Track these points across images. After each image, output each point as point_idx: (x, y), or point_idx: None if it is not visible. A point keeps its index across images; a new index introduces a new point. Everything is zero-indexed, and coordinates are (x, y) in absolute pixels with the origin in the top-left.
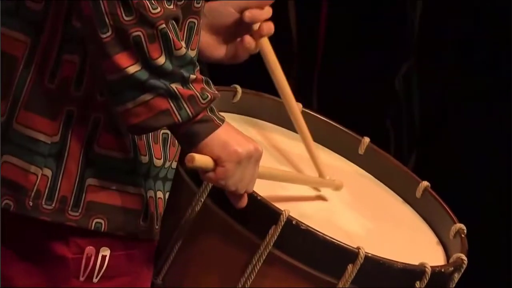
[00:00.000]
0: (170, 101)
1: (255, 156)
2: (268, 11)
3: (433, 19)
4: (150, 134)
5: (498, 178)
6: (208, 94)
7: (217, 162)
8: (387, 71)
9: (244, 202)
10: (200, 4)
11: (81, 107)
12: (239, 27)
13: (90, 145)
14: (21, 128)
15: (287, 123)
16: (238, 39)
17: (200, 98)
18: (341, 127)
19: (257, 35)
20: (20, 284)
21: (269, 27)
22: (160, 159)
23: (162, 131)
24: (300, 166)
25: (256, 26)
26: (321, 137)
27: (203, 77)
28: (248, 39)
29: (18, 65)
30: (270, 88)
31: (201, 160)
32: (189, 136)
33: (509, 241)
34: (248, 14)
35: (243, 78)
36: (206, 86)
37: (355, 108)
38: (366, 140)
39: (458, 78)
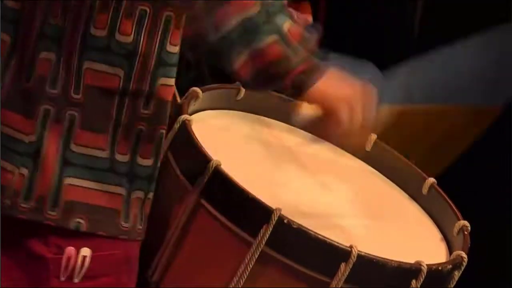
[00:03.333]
0: (283, 46)
1: (363, 95)
2: None
3: (433, 19)
4: (144, 133)
5: (499, 177)
6: (310, 38)
7: (327, 110)
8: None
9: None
10: None
11: (57, 105)
12: None
13: (67, 143)
14: (1, 127)
15: (290, 120)
16: None
17: (305, 42)
18: None
19: None
20: (1, 283)
21: None
22: (148, 158)
23: (161, 130)
24: (306, 163)
25: None
26: None
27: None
28: None
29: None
30: None
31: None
32: (298, 84)
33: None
34: None
35: None
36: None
37: None
38: (373, 136)
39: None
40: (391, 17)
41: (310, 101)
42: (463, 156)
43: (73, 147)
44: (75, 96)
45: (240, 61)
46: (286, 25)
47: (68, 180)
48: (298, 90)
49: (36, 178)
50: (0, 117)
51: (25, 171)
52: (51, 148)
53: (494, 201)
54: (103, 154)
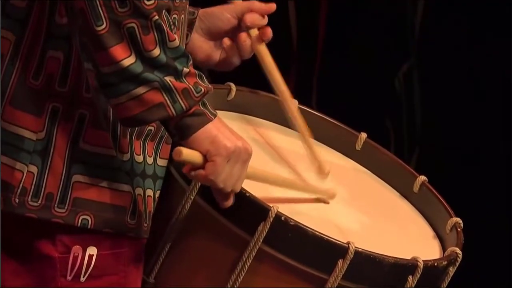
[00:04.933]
0: (164, 94)
1: (244, 154)
2: (266, 18)
3: (433, 19)
4: (135, 129)
5: (498, 178)
6: (202, 88)
7: (206, 156)
8: (387, 71)
9: (230, 201)
10: (180, 0)
11: (67, 104)
12: (235, 33)
13: (76, 141)
14: (6, 125)
15: (282, 120)
16: (230, 44)
17: (194, 92)
18: (337, 123)
19: (257, 40)
20: (8, 284)
21: (270, 32)
22: (139, 155)
23: (149, 127)
24: (297, 163)
25: (253, 32)
26: (318, 133)
27: (196, 71)
28: (244, 36)
29: (3, 62)
30: (264, 85)
31: (188, 154)
32: (181, 129)
33: (508, 238)
34: (249, 19)
35: (237, 76)
36: (199, 80)
37: (355, 108)
38: (363, 135)
39: (458, 78)
40: (392, 17)
41: (194, 145)
42: (457, 153)
43: (82, 145)
44: (87, 95)
45: (116, 101)
46: (171, 77)
47: (76, 177)
48: (182, 133)
49: (45, 176)
50: (5, 115)
51: (34, 168)
52: (60, 146)
53: (488, 198)
54: (111, 153)
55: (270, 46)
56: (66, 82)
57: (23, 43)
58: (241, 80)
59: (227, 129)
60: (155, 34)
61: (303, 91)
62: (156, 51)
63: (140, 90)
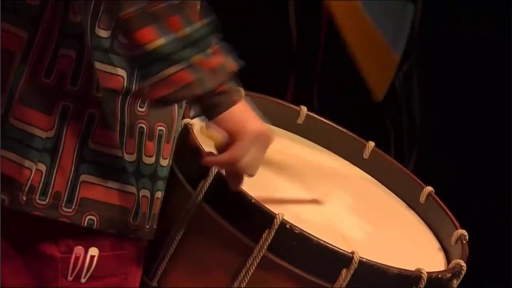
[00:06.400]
0: (192, 74)
1: (267, 139)
2: None
3: (433, 19)
4: (145, 129)
5: (498, 179)
6: (229, 66)
7: (232, 136)
8: None
9: (241, 184)
10: None
11: (77, 103)
12: None
13: (85, 141)
14: (17, 122)
15: (290, 126)
16: None
17: (221, 70)
18: (346, 131)
19: None
20: (8, 283)
21: None
22: (151, 156)
23: (159, 127)
24: (306, 170)
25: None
26: (326, 141)
27: (224, 50)
28: None
29: (15, 59)
30: (271, 90)
31: (213, 134)
32: (209, 108)
33: (509, 244)
34: None
35: (245, 81)
36: (226, 58)
37: (355, 108)
38: (371, 144)
39: (458, 78)
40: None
41: (221, 124)
42: (457, 153)
43: (91, 145)
44: (97, 95)
45: (149, 83)
46: (199, 56)
47: (84, 177)
48: (210, 112)
49: (53, 174)
50: (15, 113)
51: (42, 167)
52: (69, 145)
53: (488, 198)
54: (118, 153)
55: (271, 46)
56: (77, 81)
57: (36, 41)
58: (248, 85)
59: (254, 111)
60: (181, 15)
61: (304, 91)
62: (183, 32)
63: (170, 70)
